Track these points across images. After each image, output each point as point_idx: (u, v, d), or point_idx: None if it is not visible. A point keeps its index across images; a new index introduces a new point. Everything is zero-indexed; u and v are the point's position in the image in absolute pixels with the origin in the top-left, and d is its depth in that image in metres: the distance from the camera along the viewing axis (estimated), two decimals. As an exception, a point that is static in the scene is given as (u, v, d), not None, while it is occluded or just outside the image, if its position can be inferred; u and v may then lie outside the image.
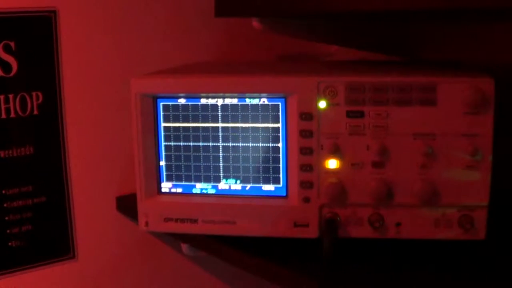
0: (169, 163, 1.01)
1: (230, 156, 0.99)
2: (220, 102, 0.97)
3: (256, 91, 0.96)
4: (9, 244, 1.15)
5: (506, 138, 1.02)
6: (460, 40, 1.23)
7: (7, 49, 1.10)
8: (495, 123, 0.90)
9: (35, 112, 1.14)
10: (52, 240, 1.20)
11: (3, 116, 1.11)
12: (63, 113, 1.17)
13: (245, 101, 0.97)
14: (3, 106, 1.11)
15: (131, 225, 1.25)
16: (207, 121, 0.98)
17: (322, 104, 0.93)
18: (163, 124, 1.00)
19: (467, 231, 0.93)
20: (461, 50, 1.24)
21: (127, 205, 1.23)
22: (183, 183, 1.01)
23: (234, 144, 0.98)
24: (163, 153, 1.01)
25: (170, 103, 0.99)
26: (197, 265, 1.40)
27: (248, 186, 0.99)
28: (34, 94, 1.14)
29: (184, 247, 1.30)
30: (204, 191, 1.01)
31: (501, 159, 0.94)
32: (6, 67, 1.10)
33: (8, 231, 1.14)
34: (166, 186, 1.02)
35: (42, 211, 1.18)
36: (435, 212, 0.93)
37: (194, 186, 1.01)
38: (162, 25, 1.28)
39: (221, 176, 1.00)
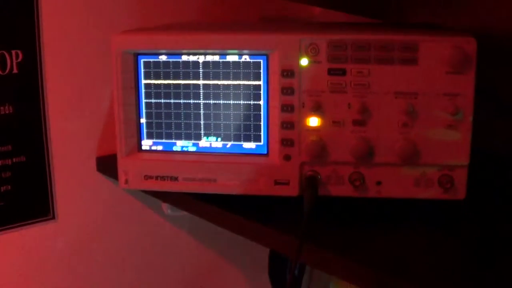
0: (150, 120, 1.00)
1: (211, 114, 0.98)
2: (201, 59, 0.97)
3: (238, 48, 0.95)
4: (-12, 204, 1.14)
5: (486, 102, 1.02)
6: (441, 4, 1.23)
7: (-15, 6, 1.09)
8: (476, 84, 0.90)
9: (15, 70, 1.13)
10: (32, 200, 1.19)
11: (-18, 74, 1.10)
12: (43, 72, 1.16)
13: (226, 58, 0.96)
14: (-19, 64, 1.10)
15: (111, 185, 1.25)
16: (188, 78, 0.98)
17: (304, 61, 0.92)
18: (143, 81, 0.99)
19: (447, 190, 0.93)
20: (441, 14, 1.24)
21: (107, 166, 1.23)
22: (164, 140, 1.01)
23: (215, 102, 0.98)
24: (144, 111, 1.00)
25: (151, 60, 0.98)
26: (178, 225, 1.40)
27: (229, 144, 0.99)
28: (13, 52, 1.12)
29: (165, 206, 1.30)
30: (185, 149, 1.00)
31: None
32: (-15, 24, 1.09)
33: (-13, 191, 1.14)
34: (146, 144, 1.02)
35: (21, 171, 1.17)
36: (415, 171, 0.93)
37: (175, 144, 1.01)
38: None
39: (202, 134, 0.99)
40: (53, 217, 1.22)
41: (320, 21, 1.44)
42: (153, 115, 1.00)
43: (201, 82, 0.97)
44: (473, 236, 0.91)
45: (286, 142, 0.95)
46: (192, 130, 0.99)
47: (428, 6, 1.26)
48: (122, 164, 1.02)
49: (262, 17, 1.43)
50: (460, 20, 1.21)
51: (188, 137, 1.00)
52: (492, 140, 1.15)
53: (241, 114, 0.97)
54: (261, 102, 0.96)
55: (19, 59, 1.13)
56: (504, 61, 1.16)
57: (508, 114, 1.19)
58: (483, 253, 0.86)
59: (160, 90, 0.99)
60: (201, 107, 0.98)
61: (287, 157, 0.95)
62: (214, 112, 0.98)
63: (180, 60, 0.97)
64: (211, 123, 0.98)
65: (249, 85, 0.96)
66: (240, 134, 0.98)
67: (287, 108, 0.94)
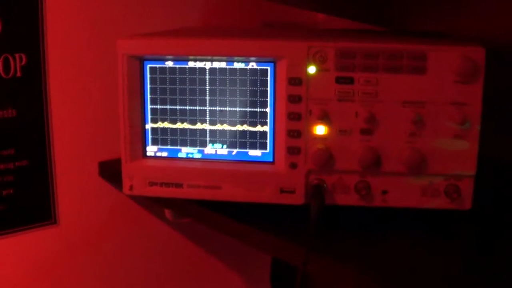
0: (155, 126, 1.00)
1: (217, 120, 0.97)
2: (208, 65, 0.96)
3: (245, 55, 0.94)
4: (-10, 208, 1.14)
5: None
6: (446, 11, 1.23)
7: (-10, 9, 1.08)
8: (484, 92, 0.90)
9: (18, 74, 1.12)
10: (34, 204, 1.19)
11: (-14, 77, 1.09)
12: (47, 76, 1.15)
13: (233, 65, 0.95)
14: (-15, 67, 1.09)
15: (114, 190, 1.24)
16: (195, 85, 0.97)
17: (312, 69, 0.92)
18: (149, 87, 0.98)
19: (454, 200, 0.92)
20: (443, 21, 1.24)
21: (109, 171, 1.22)
22: (169, 147, 1.00)
23: (221, 109, 0.97)
24: (149, 116, 0.99)
25: (157, 66, 0.98)
26: (180, 231, 1.39)
27: (235, 151, 0.98)
28: (17, 55, 1.12)
29: (168, 213, 1.29)
30: (190, 156, 1.00)
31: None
32: (-10, 27, 1.08)
33: (-12, 194, 1.13)
34: (151, 150, 1.01)
35: (24, 175, 1.16)
36: (422, 180, 0.93)
37: (180, 150, 1.00)
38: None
39: (208, 141, 0.99)
40: (55, 222, 1.21)
41: (323, 27, 1.44)
42: (159, 121, 0.99)
43: (207, 88, 0.97)
44: (478, 245, 0.91)
45: (292, 150, 0.94)
46: (198, 137, 0.99)
47: (430, 13, 1.26)
48: (127, 170, 1.01)
49: (265, 23, 1.42)
50: (462, 27, 1.21)
51: (193, 144, 0.99)
52: (495, 148, 1.15)
53: (247, 121, 0.97)
54: (268, 110, 0.95)
55: (23, 63, 1.12)
56: (506, 68, 1.16)
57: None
58: (489, 263, 0.85)
59: (166, 96, 0.98)
60: (207, 114, 0.97)
61: (293, 165, 0.94)
62: (220, 119, 0.97)
63: (187, 66, 0.97)
64: (216, 130, 0.98)
65: (256, 92, 0.95)
66: (246, 141, 0.97)
67: (294, 116, 0.93)
